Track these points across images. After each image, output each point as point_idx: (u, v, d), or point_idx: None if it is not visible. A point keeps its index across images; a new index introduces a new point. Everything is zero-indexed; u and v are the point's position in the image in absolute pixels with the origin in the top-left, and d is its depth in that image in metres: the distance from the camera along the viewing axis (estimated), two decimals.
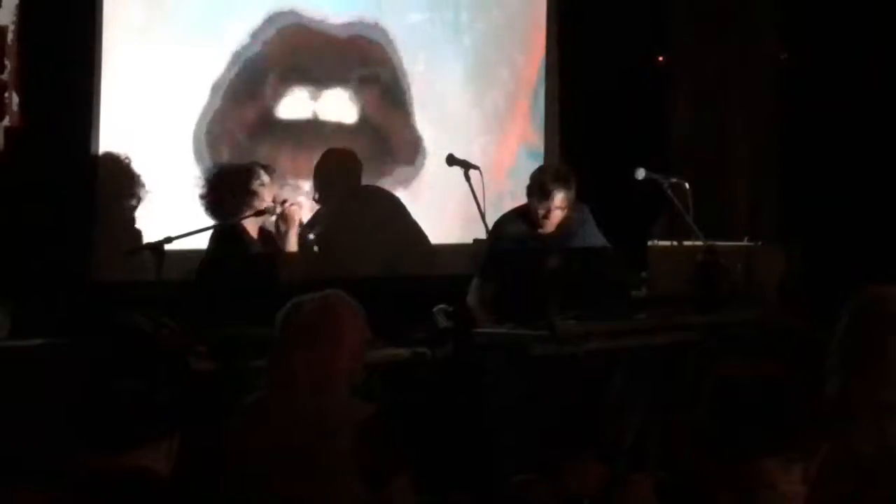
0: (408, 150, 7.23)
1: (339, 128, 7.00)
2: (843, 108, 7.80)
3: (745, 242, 6.60)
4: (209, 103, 6.62)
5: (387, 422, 3.41)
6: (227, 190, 5.83)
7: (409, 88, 7.25)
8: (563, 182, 6.07)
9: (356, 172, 6.98)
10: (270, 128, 6.81)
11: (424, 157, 7.23)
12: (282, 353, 3.59)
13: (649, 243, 6.52)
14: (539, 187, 6.06)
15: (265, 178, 5.88)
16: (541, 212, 6.06)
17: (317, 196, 6.79)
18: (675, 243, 6.45)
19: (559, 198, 6.04)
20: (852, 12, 7.80)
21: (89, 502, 2.85)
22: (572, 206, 6.12)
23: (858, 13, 7.79)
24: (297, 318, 3.60)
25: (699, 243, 6.17)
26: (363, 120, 7.09)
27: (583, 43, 7.82)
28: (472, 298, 5.99)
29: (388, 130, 7.18)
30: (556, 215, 6.07)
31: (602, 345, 5.45)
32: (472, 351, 5.26)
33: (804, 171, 7.96)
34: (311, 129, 6.93)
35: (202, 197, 5.89)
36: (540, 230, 6.11)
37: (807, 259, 6.63)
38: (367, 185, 7.06)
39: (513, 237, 6.12)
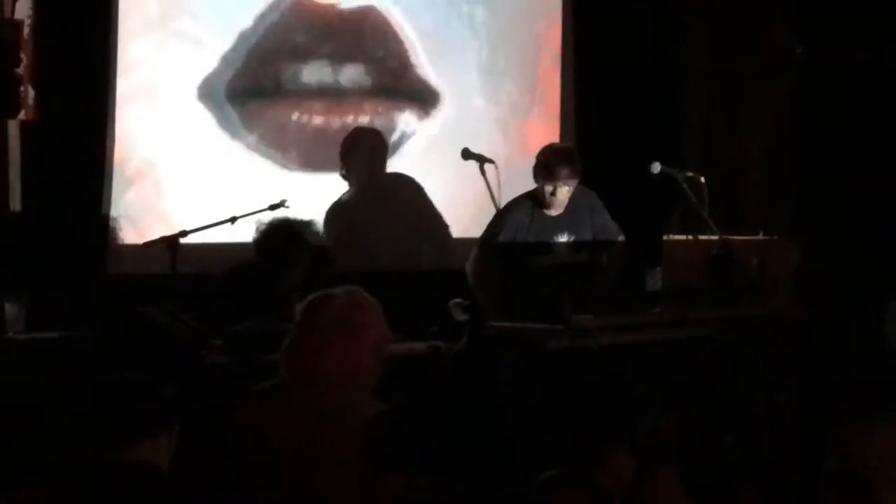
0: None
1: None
2: (858, 102, 7.77)
3: (760, 237, 6.58)
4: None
5: (393, 420, 3.40)
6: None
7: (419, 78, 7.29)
8: (567, 160, 6.13)
9: (381, 154, 6.99)
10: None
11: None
12: (308, 344, 3.55)
13: (664, 237, 6.52)
14: (544, 166, 6.13)
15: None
16: (548, 189, 6.11)
17: (343, 172, 6.77)
18: (689, 237, 6.44)
19: (564, 175, 6.08)
20: (867, 6, 7.77)
21: (91, 495, 2.86)
22: (579, 187, 6.16)
23: (873, 7, 7.76)
24: (329, 311, 3.57)
25: (714, 237, 6.15)
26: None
27: (598, 36, 7.81)
28: (469, 266, 6.13)
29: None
30: (563, 193, 6.12)
31: (617, 339, 5.43)
32: (487, 345, 5.26)
33: (819, 165, 7.93)
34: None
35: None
36: (547, 210, 6.16)
37: (821, 253, 6.61)
38: (390, 173, 7.05)
39: (519, 220, 6.14)
